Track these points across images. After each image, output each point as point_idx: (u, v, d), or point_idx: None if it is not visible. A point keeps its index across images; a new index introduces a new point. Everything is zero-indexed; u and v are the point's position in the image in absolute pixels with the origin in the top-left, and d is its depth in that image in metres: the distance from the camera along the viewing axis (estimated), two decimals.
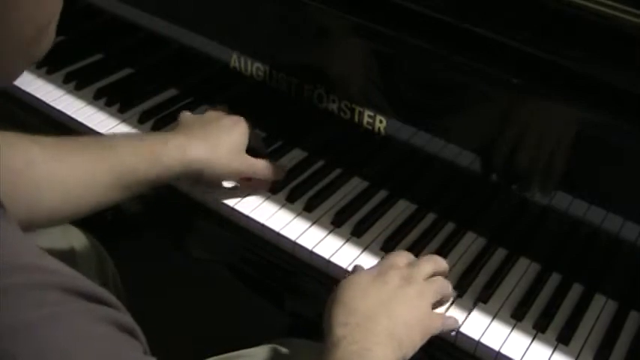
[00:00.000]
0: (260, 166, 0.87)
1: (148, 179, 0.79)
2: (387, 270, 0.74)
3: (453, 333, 0.76)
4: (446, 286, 0.76)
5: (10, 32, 0.44)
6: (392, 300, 0.70)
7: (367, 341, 0.66)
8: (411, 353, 0.69)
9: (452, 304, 0.79)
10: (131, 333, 0.47)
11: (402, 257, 0.77)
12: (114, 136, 0.80)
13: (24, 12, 0.44)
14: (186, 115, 0.89)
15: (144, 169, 0.78)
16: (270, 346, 0.85)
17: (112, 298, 0.47)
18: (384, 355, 0.66)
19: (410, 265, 0.76)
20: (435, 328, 0.73)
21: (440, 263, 0.78)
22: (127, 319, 0.47)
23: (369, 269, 0.75)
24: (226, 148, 0.84)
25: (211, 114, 0.89)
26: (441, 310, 0.77)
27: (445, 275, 0.78)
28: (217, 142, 0.83)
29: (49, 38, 0.48)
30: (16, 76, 0.49)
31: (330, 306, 0.70)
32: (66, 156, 0.75)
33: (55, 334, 0.42)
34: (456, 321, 0.76)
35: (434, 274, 0.77)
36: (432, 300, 0.74)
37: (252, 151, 0.89)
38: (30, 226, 0.73)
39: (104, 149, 0.78)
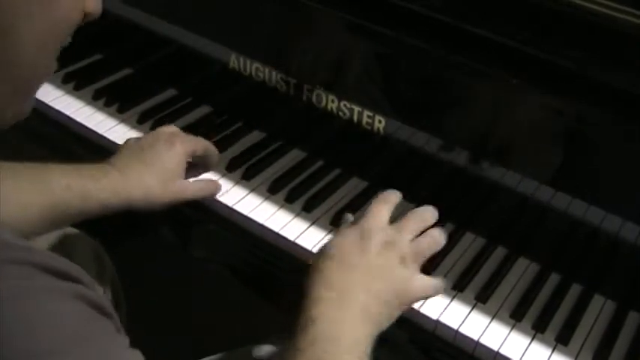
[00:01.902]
0: (191, 191, 0.85)
1: (81, 214, 0.78)
2: (370, 233, 0.70)
3: (452, 331, 0.76)
4: (433, 242, 0.73)
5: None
6: (371, 271, 0.68)
7: (343, 321, 0.64)
8: (386, 324, 0.68)
9: (451, 303, 0.79)
10: (102, 310, 0.47)
11: (383, 212, 0.73)
12: (48, 167, 0.77)
13: (23, 72, 0.49)
14: (129, 141, 0.86)
15: (77, 205, 0.77)
16: (268, 345, 0.85)
17: (84, 277, 0.47)
18: (359, 334, 0.65)
19: (394, 226, 0.72)
20: (416, 296, 0.71)
21: (426, 216, 0.75)
22: (98, 296, 0.47)
23: (349, 231, 0.71)
24: (159, 177, 0.82)
25: (147, 138, 0.85)
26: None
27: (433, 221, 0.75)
28: (151, 172, 0.81)
29: (33, 95, 0.52)
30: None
31: (308, 277, 0.68)
32: None
33: (22, 308, 0.42)
34: (440, 286, 0.72)
35: (422, 231, 0.73)
36: (418, 263, 0.71)
37: (198, 159, 0.87)
38: None
39: (37, 181, 0.76)
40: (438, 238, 0.73)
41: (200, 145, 0.87)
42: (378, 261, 0.69)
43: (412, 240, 0.72)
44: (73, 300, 0.45)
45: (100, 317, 0.47)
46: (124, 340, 0.49)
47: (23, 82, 0.51)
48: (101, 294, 0.49)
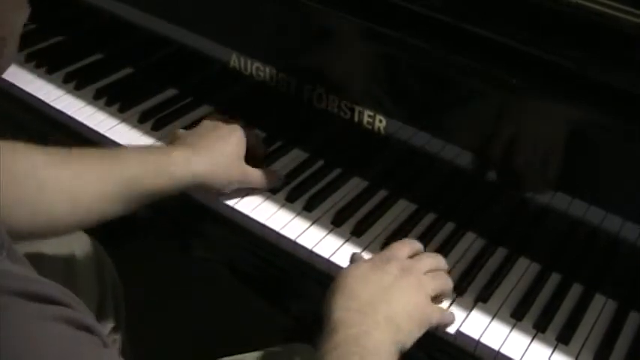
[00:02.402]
0: (256, 176, 0.87)
1: (154, 191, 0.79)
2: (388, 260, 0.74)
3: (452, 331, 0.76)
4: (445, 282, 0.77)
5: None
6: (391, 287, 0.71)
7: (366, 325, 0.66)
8: (409, 343, 0.69)
9: (452, 303, 0.79)
10: (88, 329, 0.47)
11: (403, 249, 0.78)
12: (119, 148, 0.81)
13: None
14: (180, 132, 0.89)
15: (150, 181, 0.78)
16: (270, 350, 0.85)
17: (66, 297, 0.47)
18: (383, 339, 0.66)
19: (411, 257, 0.77)
20: (433, 320, 0.73)
21: (440, 260, 0.79)
22: (83, 316, 0.47)
23: (369, 258, 0.76)
24: (225, 159, 0.84)
25: (207, 124, 0.88)
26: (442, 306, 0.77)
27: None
28: (217, 153, 0.84)
29: (8, 54, 0.50)
30: None
31: (329, 294, 0.70)
32: (72, 164, 0.75)
33: (3, 340, 0.41)
34: (454, 317, 0.76)
35: (434, 270, 0.77)
36: (431, 293, 0.74)
37: (251, 150, 0.89)
38: (32, 233, 0.72)
39: (111, 159, 0.78)
40: (447, 281, 0.77)
41: (253, 137, 0.90)
42: (397, 281, 0.72)
43: (426, 273, 0.76)
44: (56, 323, 0.44)
45: (85, 337, 0.46)
46: (113, 353, 0.49)
47: None
48: (86, 314, 0.48)
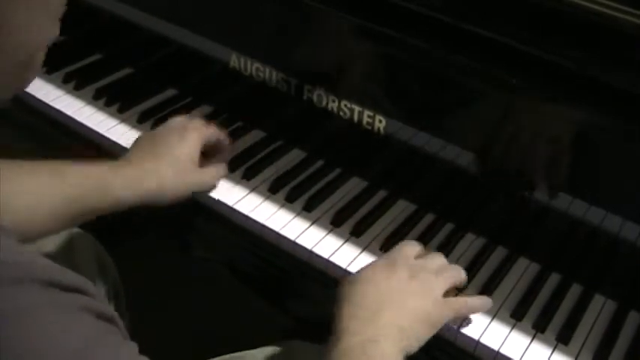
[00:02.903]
0: (208, 177, 0.87)
1: (96, 209, 0.78)
2: (395, 262, 0.73)
3: (453, 332, 0.76)
4: (457, 273, 0.76)
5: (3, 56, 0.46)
6: (400, 293, 0.70)
7: (373, 333, 0.66)
8: (417, 346, 0.69)
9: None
10: (109, 320, 0.47)
11: (411, 248, 0.77)
12: (65, 163, 0.78)
13: (17, 38, 0.46)
14: (142, 135, 0.88)
15: (92, 200, 0.77)
16: (269, 348, 0.85)
17: (88, 286, 0.47)
18: (390, 347, 0.66)
19: (419, 257, 0.76)
20: (446, 318, 0.72)
21: (444, 260, 0.78)
22: (105, 306, 0.47)
23: (377, 260, 0.75)
24: (174, 169, 0.83)
25: (160, 130, 0.87)
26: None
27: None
28: (165, 164, 0.82)
29: (36, 66, 0.50)
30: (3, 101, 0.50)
31: (337, 301, 0.70)
32: (13, 175, 0.73)
33: (27, 328, 0.42)
34: (471, 307, 0.75)
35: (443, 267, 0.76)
36: (443, 290, 0.73)
37: (214, 146, 0.90)
38: None
39: (55, 175, 0.76)
40: (458, 272, 0.77)
41: (212, 132, 0.89)
42: (406, 285, 0.71)
43: (435, 271, 0.75)
44: (79, 313, 0.45)
45: (107, 327, 0.47)
46: (134, 347, 0.49)
47: (16, 48, 0.49)
48: (104, 298, 0.48)
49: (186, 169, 0.84)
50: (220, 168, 0.90)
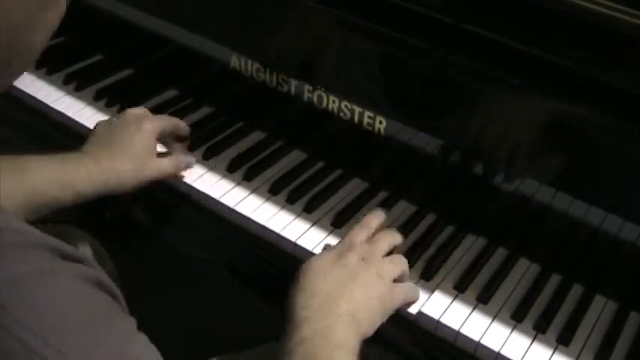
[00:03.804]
0: (165, 166, 0.88)
1: (59, 202, 0.80)
2: (346, 251, 0.75)
3: (452, 332, 0.76)
4: (403, 263, 0.78)
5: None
6: (351, 282, 0.72)
7: (329, 320, 0.68)
8: (371, 331, 0.71)
9: (452, 302, 0.79)
10: (111, 294, 0.49)
11: (360, 234, 0.78)
12: (25, 159, 0.80)
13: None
14: (99, 125, 0.89)
15: (53, 195, 0.79)
16: (269, 347, 0.85)
17: (92, 261, 0.48)
18: (346, 333, 0.68)
19: (368, 242, 0.78)
20: (397, 303, 0.75)
21: (396, 237, 0.80)
22: (107, 279, 0.49)
23: (328, 251, 0.77)
24: (131, 160, 0.84)
25: (116, 122, 0.88)
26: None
27: (399, 249, 0.81)
28: (123, 156, 0.84)
29: (25, 52, 0.52)
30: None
31: (292, 291, 0.71)
32: None
33: (41, 290, 0.43)
34: (417, 292, 0.78)
35: (392, 249, 0.79)
36: (391, 278, 0.76)
37: (173, 135, 0.92)
38: None
39: (17, 171, 0.77)
40: (404, 263, 0.78)
41: (168, 122, 0.91)
42: (357, 274, 0.73)
43: (384, 257, 0.77)
44: (87, 281, 0.46)
45: (108, 299, 0.48)
46: (133, 322, 0.50)
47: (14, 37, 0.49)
48: (109, 279, 0.49)
49: (144, 161, 0.86)
50: (180, 155, 0.92)
